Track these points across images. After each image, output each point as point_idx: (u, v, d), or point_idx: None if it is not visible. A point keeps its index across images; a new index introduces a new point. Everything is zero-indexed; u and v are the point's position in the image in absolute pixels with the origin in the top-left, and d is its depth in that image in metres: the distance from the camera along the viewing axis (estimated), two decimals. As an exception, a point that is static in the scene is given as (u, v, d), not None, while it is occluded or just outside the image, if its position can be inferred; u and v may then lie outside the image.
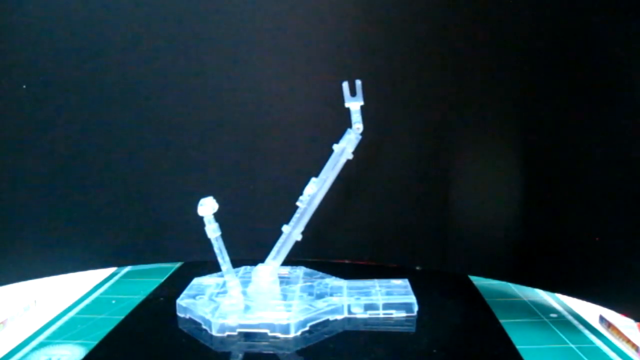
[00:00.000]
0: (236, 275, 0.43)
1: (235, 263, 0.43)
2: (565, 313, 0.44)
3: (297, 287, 0.45)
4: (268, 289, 0.43)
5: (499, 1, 0.43)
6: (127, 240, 0.52)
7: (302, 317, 0.40)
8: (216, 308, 0.41)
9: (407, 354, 0.37)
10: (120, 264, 0.54)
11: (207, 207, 0.40)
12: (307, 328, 0.40)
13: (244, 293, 0.43)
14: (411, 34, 0.48)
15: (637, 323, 0.40)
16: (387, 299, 0.43)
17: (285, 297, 0.43)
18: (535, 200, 0.44)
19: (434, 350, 0.37)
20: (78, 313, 0.44)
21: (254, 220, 0.53)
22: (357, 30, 0.49)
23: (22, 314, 0.45)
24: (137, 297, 0.47)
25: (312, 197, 0.43)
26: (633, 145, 0.38)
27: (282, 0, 0.49)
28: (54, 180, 0.49)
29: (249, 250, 0.50)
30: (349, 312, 0.42)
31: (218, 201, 0.41)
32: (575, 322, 0.42)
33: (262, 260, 0.44)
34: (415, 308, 0.43)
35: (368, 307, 0.43)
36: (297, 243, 0.44)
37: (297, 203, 0.44)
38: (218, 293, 0.44)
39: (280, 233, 0.44)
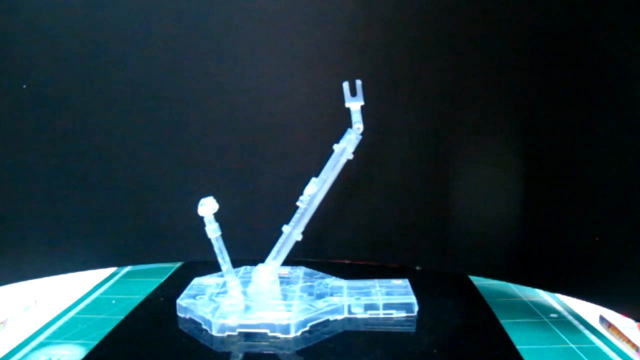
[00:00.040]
0: (236, 275, 0.43)
1: (235, 263, 0.43)
2: (565, 313, 0.44)
3: (297, 287, 0.45)
4: (268, 289, 0.43)
5: (499, 1, 0.43)
6: (127, 240, 0.52)
7: (302, 317, 0.40)
8: (216, 308, 0.41)
9: (407, 354, 0.37)
10: (120, 264, 0.54)
11: (207, 207, 0.40)
12: (307, 328, 0.40)
13: (244, 293, 0.43)
14: (411, 34, 0.48)
15: (637, 323, 0.40)
16: (387, 299, 0.43)
17: (285, 297, 0.43)
18: (535, 200, 0.44)
19: (434, 350, 0.37)
20: (78, 313, 0.44)
21: (254, 220, 0.53)
22: (357, 30, 0.49)
23: (22, 314, 0.45)
24: (137, 297, 0.47)
25: (312, 197, 0.43)
26: (633, 145, 0.38)
27: (282, 1, 0.49)
28: (54, 180, 0.49)
29: (249, 250, 0.50)
30: (349, 312, 0.43)
31: (218, 201, 0.41)
32: (575, 322, 0.42)
33: (262, 260, 0.44)
34: (416, 308, 0.43)
35: (368, 307, 0.43)
36: (297, 243, 0.44)
37: (297, 203, 0.44)
38: (218, 293, 0.44)
39: (280, 233, 0.44)
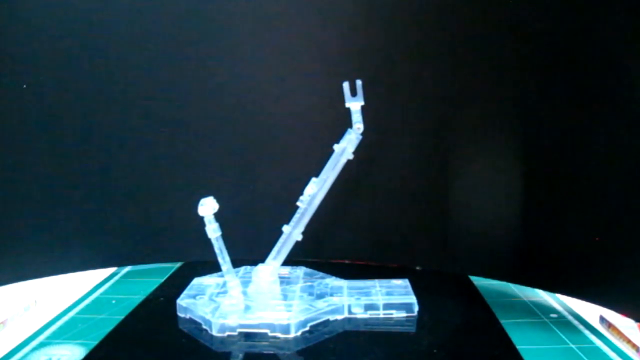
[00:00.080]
0: (236, 275, 0.43)
1: (235, 263, 0.43)
2: (565, 313, 0.44)
3: (297, 287, 0.45)
4: (268, 289, 0.43)
5: (499, 1, 0.43)
6: (127, 240, 0.52)
7: (302, 317, 0.40)
8: (216, 308, 0.41)
9: (407, 354, 0.37)
10: (120, 264, 0.54)
11: (208, 207, 0.40)
12: (307, 328, 0.40)
13: (244, 293, 0.43)
14: (411, 34, 0.48)
15: (637, 323, 0.40)
16: (387, 299, 0.43)
17: (285, 297, 0.43)
18: (535, 200, 0.44)
19: (434, 350, 0.37)
20: (78, 313, 0.44)
21: (254, 220, 0.53)
22: (357, 30, 0.49)
23: (22, 314, 0.45)
24: (137, 297, 0.47)
25: (313, 197, 0.43)
26: (633, 145, 0.38)
27: (282, 1, 0.49)
28: (54, 180, 0.49)
29: (249, 250, 0.50)
30: (349, 312, 0.43)
31: (218, 201, 0.41)
32: (575, 322, 0.42)
33: (262, 260, 0.44)
34: (416, 308, 0.43)
35: (368, 307, 0.43)
36: (297, 243, 0.44)
37: (298, 203, 0.44)
38: (218, 293, 0.44)
39: (280, 233, 0.44)
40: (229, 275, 0.42)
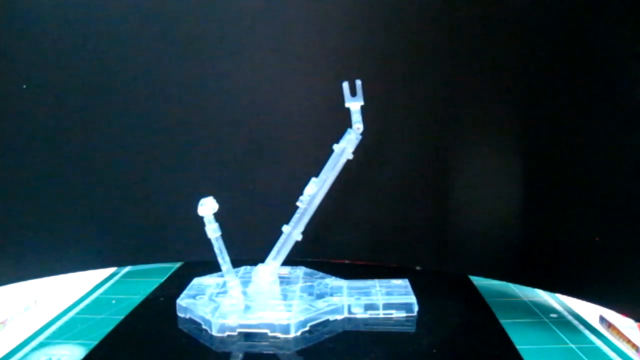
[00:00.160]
0: (236, 275, 0.43)
1: (235, 263, 0.43)
2: (565, 313, 0.44)
3: (297, 287, 0.45)
4: (268, 289, 0.43)
5: (500, 1, 0.43)
6: (127, 240, 0.52)
7: (302, 317, 0.40)
8: (216, 308, 0.41)
9: (407, 354, 0.37)
10: (120, 264, 0.54)
11: (207, 207, 0.40)
12: (307, 328, 0.40)
13: (244, 293, 0.43)
14: (411, 34, 0.48)
15: (637, 323, 0.40)
16: (387, 299, 0.43)
17: (285, 297, 0.43)
18: (535, 200, 0.44)
19: (434, 350, 0.37)
20: (78, 313, 0.44)
21: (254, 220, 0.53)
22: (358, 31, 0.49)
23: (22, 314, 0.45)
24: (137, 297, 0.47)
25: (312, 197, 0.43)
26: (633, 145, 0.38)
27: (283, 0, 0.49)
28: (54, 180, 0.49)
29: (249, 250, 0.50)
30: (349, 312, 0.43)
31: (218, 201, 0.41)
32: (575, 322, 0.42)
33: (262, 260, 0.44)
34: (415, 308, 0.43)
35: (368, 307, 0.43)
36: (297, 243, 0.44)
37: (297, 203, 0.44)
38: (218, 293, 0.44)
39: (280, 233, 0.44)
40: (229, 275, 0.42)
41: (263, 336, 0.39)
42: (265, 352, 0.37)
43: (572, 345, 0.38)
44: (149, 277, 0.52)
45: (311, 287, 0.46)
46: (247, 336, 0.39)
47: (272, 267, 0.44)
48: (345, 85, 0.43)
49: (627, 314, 0.40)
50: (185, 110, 0.51)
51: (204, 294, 0.44)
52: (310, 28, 0.50)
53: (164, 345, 0.39)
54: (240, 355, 0.37)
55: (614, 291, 0.40)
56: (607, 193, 0.40)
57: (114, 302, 0.46)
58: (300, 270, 0.50)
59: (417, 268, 0.53)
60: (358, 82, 0.43)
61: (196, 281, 0.47)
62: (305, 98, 0.51)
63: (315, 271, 0.49)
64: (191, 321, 0.42)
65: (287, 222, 0.44)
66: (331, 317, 0.42)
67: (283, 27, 0.50)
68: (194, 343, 0.39)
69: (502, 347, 0.38)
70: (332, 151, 0.44)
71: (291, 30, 0.50)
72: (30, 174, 0.48)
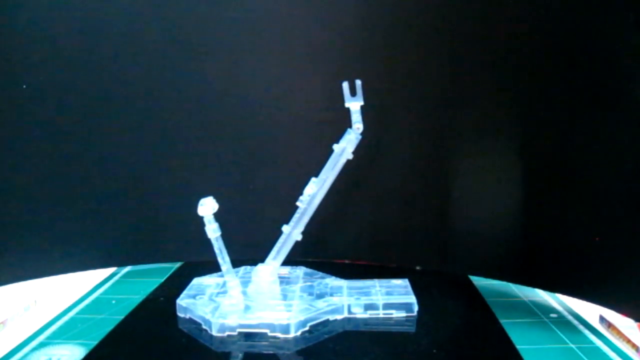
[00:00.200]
0: (236, 275, 0.43)
1: (235, 263, 0.43)
2: (565, 313, 0.44)
3: (297, 287, 0.45)
4: (268, 289, 0.43)
5: (500, 1, 0.43)
6: (127, 240, 0.52)
7: (302, 317, 0.40)
8: (216, 308, 0.41)
9: (407, 354, 0.37)
10: (120, 264, 0.54)
11: (207, 207, 0.40)
12: (307, 328, 0.40)
13: (244, 293, 0.43)
14: (411, 34, 0.48)
15: (637, 323, 0.40)
16: (387, 299, 0.43)
17: (285, 297, 0.43)
18: (536, 200, 0.44)
19: (434, 350, 0.37)
20: (78, 313, 0.44)
21: (254, 220, 0.53)
22: (357, 31, 0.49)
23: (22, 314, 0.45)
24: (137, 297, 0.47)
25: (312, 197, 0.43)
26: (633, 145, 0.38)
27: (282, 1, 0.49)
28: (54, 180, 0.49)
29: (249, 250, 0.50)
30: (349, 312, 0.43)
31: (218, 201, 0.41)
32: (575, 322, 0.42)
33: (262, 260, 0.44)
34: (415, 308, 0.43)
35: (368, 307, 0.43)
36: (297, 243, 0.44)
37: (297, 203, 0.44)
38: (218, 293, 0.44)
39: (280, 233, 0.44)
40: (229, 275, 0.42)
41: (263, 336, 0.39)
42: (265, 352, 0.37)
43: (572, 345, 0.38)
44: (149, 277, 0.52)
45: (311, 287, 0.46)
46: (247, 336, 0.39)
47: (272, 267, 0.44)
48: (345, 85, 0.43)
49: (627, 314, 0.40)
50: (185, 110, 0.51)
51: (204, 294, 0.44)
52: (310, 28, 0.50)
53: (164, 345, 0.39)
54: (240, 355, 0.37)
55: (614, 291, 0.40)
56: (607, 193, 0.40)
57: (114, 302, 0.46)
58: (300, 270, 0.50)
59: (417, 268, 0.53)
60: (358, 82, 0.43)
61: (196, 281, 0.47)
62: (305, 98, 0.51)
63: (315, 271, 0.49)
64: (191, 321, 0.42)
65: (287, 222, 0.44)
66: (331, 317, 0.42)
67: (283, 27, 0.50)
68: (194, 343, 0.39)
69: (502, 347, 0.38)
70: (332, 151, 0.44)
71: (291, 30, 0.50)
72: (30, 174, 0.48)
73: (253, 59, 0.50)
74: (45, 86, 0.47)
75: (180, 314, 0.43)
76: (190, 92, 0.50)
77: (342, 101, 0.43)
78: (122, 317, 0.43)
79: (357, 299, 0.43)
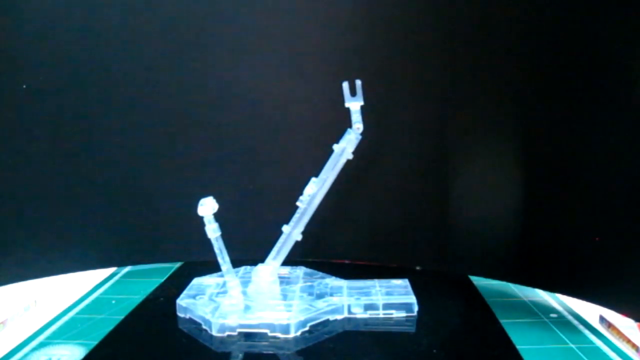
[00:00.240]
0: (236, 275, 0.43)
1: (235, 263, 0.43)
2: (565, 313, 0.44)
3: (297, 287, 0.45)
4: (268, 289, 0.43)
5: (500, 1, 0.43)
6: (127, 240, 0.52)
7: (302, 317, 0.40)
8: (216, 308, 0.41)
9: (407, 354, 0.37)
10: (120, 264, 0.54)
11: (207, 207, 0.40)
12: (307, 328, 0.40)
13: (244, 293, 0.43)
14: (411, 34, 0.48)
15: (637, 323, 0.40)
16: (387, 299, 0.43)
17: (285, 297, 0.43)
18: (535, 200, 0.44)
19: (434, 350, 0.37)
20: (78, 313, 0.44)
21: (254, 220, 0.53)
22: (357, 31, 0.49)
23: (22, 314, 0.45)
24: (137, 297, 0.47)
25: (312, 197, 0.43)
26: (633, 145, 0.38)
27: (282, 1, 0.49)
28: (54, 180, 0.49)
29: (249, 250, 0.50)
30: (349, 312, 0.43)
31: (218, 201, 0.41)
32: (575, 322, 0.42)
33: (262, 260, 0.44)
34: (415, 308, 0.43)
35: (368, 307, 0.43)
36: (297, 243, 0.44)
37: (297, 203, 0.44)
38: (218, 293, 0.44)
39: (280, 233, 0.44)
40: (229, 275, 0.42)
41: (263, 336, 0.39)
42: (265, 352, 0.37)
43: (572, 345, 0.38)
44: (149, 277, 0.52)
45: (311, 287, 0.46)
46: (247, 336, 0.39)
47: (272, 267, 0.44)
48: (345, 85, 0.43)
49: (627, 314, 0.40)
50: (186, 110, 0.51)
51: (204, 294, 0.44)
52: (310, 28, 0.50)
53: (164, 345, 0.39)
54: (240, 355, 0.37)
55: (614, 291, 0.40)
56: (607, 193, 0.40)
57: (114, 302, 0.46)
58: (300, 270, 0.50)
59: (417, 268, 0.53)
60: (358, 82, 0.43)
61: (196, 281, 0.47)
62: (305, 98, 0.51)
63: (315, 271, 0.49)
64: (191, 321, 0.42)
65: (287, 222, 0.44)
66: (331, 317, 0.42)
67: (283, 27, 0.50)
68: (194, 343, 0.39)
69: (502, 347, 0.38)
70: (332, 151, 0.44)
71: (291, 30, 0.50)
72: (30, 174, 0.48)
73: (253, 59, 0.50)
74: (45, 86, 0.47)
75: (180, 314, 0.43)
76: (190, 92, 0.50)
77: (342, 101, 0.43)
78: (122, 317, 0.43)
79: (357, 299, 0.43)
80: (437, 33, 0.47)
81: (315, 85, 0.50)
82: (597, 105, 0.39)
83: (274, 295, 0.43)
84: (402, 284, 0.46)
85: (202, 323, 0.41)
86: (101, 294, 0.49)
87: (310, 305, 0.42)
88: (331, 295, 0.44)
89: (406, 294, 0.44)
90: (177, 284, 0.48)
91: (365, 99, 0.43)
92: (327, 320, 0.41)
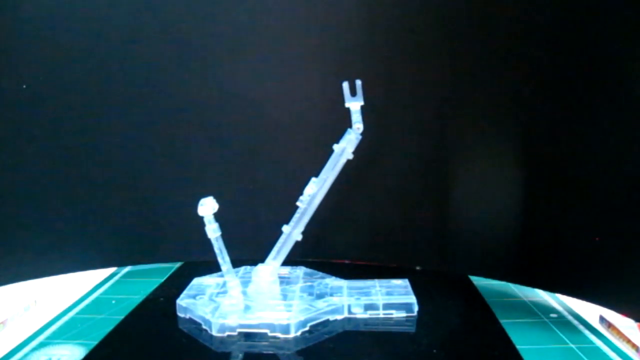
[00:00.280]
0: (236, 275, 0.43)
1: (235, 263, 0.43)
2: (565, 313, 0.44)
3: (297, 287, 0.45)
4: (268, 289, 0.43)
5: (500, 1, 0.43)
6: (127, 240, 0.52)
7: (302, 317, 0.40)
8: (216, 308, 0.41)
9: (407, 354, 0.37)
10: (120, 264, 0.54)
11: (207, 207, 0.40)
12: (307, 328, 0.40)
13: (244, 293, 0.43)
14: (411, 34, 0.48)
15: (637, 323, 0.40)
16: (387, 299, 0.43)
17: (285, 297, 0.43)
18: (535, 200, 0.44)
19: (434, 350, 0.37)
20: (78, 313, 0.44)
21: (254, 220, 0.53)
22: (357, 31, 0.49)
23: (22, 314, 0.45)
24: (137, 297, 0.47)
25: (312, 197, 0.43)
26: (633, 145, 0.38)
27: (282, 1, 0.49)
28: (54, 180, 0.49)
29: (249, 250, 0.50)
30: (349, 312, 0.43)
31: (218, 201, 0.41)
32: (575, 322, 0.42)
33: (262, 260, 0.44)
34: (415, 308, 0.43)
35: (368, 307, 0.43)
36: (297, 243, 0.44)
37: (297, 203, 0.44)
38: (218, 293, 0.44)
39: (280, 233, 0.44)
40: (229, 275, 0.42)
41: (263, 336, 0.39)
42: (265, 352, 0.37)
43: (572, 345, 0.38)
44: (149, 277, 0.52)
45: (311, 287, 0.46)
46: (247, 336, 0.39)
47: (272, 267, 0.44)
48: (345, 85, 0.43)
49: (627, 314, 0.40)
50: (185, 110, 0.51)
51: (204, 294, 0.44)
52: (310, 28, 0.50)
53: (164, 345, 0.39)
54: (240, 356, 0.37)
55: (614, 291, 0.40)
56: (607, 193, 0.40)
57: (114, 302, 0.46)
58: (300, 270, 0.50)
59: (417, 268, 0.53)
60: (358, 82, 0.43)
61: (196, 281, 0.47)
62: (306, 98, 0.51)
63: (315, 271, 0.49)
64: (191, 321, 0.42)
65: (287, 222, 0.44)
66: (331, 317, 0.42)
67: (283, 27, 0.50)
68: (194, 343, 0.39)
69: (502, 347, 0.38)
70: (332, 151, 0.44)
71: (291, 30, 0.50)
72: (30, 174, 0.48)
73: (253, 59, 0.50)
74: (45, 86, 0.47)
75: (180, 314, 0.43)
76: (190, 92, 0.50)
77: (342, 101, 0.43)
78: (122, 317, 0.43)
79: (357, 299, 0.43)
80: (437, 33, 0.47)
81: (315, 85, 0.50)
82: (597, 105, 0.39)
83: (274, 295, 0.43)
84: (402, 284, 0.46)
85: (202, 323, 0.41)
86: (101, 294, 0.49)
87: (310, 305, 0.42)
88: (331, 295, 0.44)
89: (406, 294, 0.44)
90: (177, 284, 0.48)
91: (365, 99, 0.43)
92: (327, 320, 0.41)
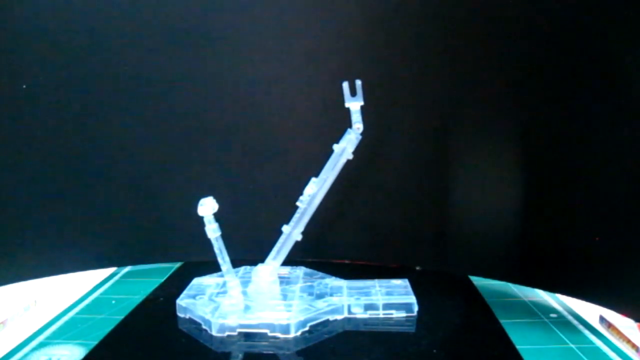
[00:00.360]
0: (236, 275, 0.43)
1: (235, 263, 0.43)
2: (565, 313, 0.44)
3: (297, 287, 0.45)
4: (268, 289, 0.43)
5: (500, 1, 0.43)
6: (127, 240, 0.52)
7: (302, 317, 0.40)
8: (216, 308, 0.41)
9: (407, 354, 0.37)
10: (120, 264, 0.54)
11: (207, 207, 0.40)
12: (307, 328, 0.40)
13: (244, 293, 0.43)
14: (411, 34, 0.48)
15: (637, 323, 0.40)
16: (387, 299, 0.43)
17: (285, 297, 0.43)
18: (535, 200, 0.44)
19: (434, 350, 0.37)
20: (78, 313, 0.44)
21: (254, 220, 0.53)
22: (358, 31, 0.49)
23: (22, 314, 0.45)
24: (137, 297, 0.47)
25: (312, 197, 0.43)
26: (633, 145, 0.38)
27: (282, 1, 0.49)
28: (54, 180, 0.49)
29: (249, 250, 0.50)
30: (349, 312, 0.43)
31: (218, 201, 0.41)
32: (575, 322, 0.42)
33: (262, 260, 0.44)
34: (415, 308, 0.43)
35: (368, 307, 0.43)
36: (297, 243, 0.44)
37: (297, 203, 0.44)
38: (218, 293, 0.44)
39: (280, 233, 0.44)
40: (229, 275, 0.42)
41: (263, 336, 0.39)
42: (265, 352, 0.37)
43: (572, 345, 0.38)
44: (149, 277, 0.52)
45: (311, 287, 0.46)
46: (247, 336, 0.39)
47: (272, 267, 0.44)
48: (345, 85, 0.43)
49: (627, 314, 0.40)
50: (186, 110, 0.51)
51: (204, 294, 0.44)
52: (310, 28, 0.50)
53: (164, 345, 0.39)
54: (240, 356, 0.37)
55: (614, 291, 0.40)
56: (607, 193, 0.40)
57: (114, 302, 0.46)
58: (300, 270, 0.50)
59: (417, 268, 0.53)
60: (358, 82, 0.43)
61: (196, 281, 0.47)
62: (306, 98, 0.51)
63: (315, 271, 0.49)
64: (191, 321, 0.42)
65: (287, 222, 0.44)
66: (331, 317, 0.42)
67: (283, 26, 0.50)
68: (194, 343, 0.39)
69: (502, 347, 0.38)
70: (332, 151, 0.44)
71: (291, 30, 0.50)
72: (30, 174, 0.48)
73: (254, 59, 0.50)
74: (45, 86, 0.47)
75: (180, 314, 0.43)
76: (190, 92, 0.50)
77: (342, 101, 0.43)
78: (122, 317, 0.43)
79: (357, 299, 0.43)
80: (437, 33, 0.47)
81: (315, 85, 0.50)
82: (597, 105, 0.39)
83: (274, 295, 0.43)
84: (402, 284, 0.46)
85: (202, 323, 0.41)
86: (101, 294, 0.49)
87: (310, 305, 0.42)
88: (331, 295, 0.44)
89: (406, 294, 0.44)
90: (177, 284, 0.48)
91: (365, 99, 0.43)
92: (327, 320, 0.41)
